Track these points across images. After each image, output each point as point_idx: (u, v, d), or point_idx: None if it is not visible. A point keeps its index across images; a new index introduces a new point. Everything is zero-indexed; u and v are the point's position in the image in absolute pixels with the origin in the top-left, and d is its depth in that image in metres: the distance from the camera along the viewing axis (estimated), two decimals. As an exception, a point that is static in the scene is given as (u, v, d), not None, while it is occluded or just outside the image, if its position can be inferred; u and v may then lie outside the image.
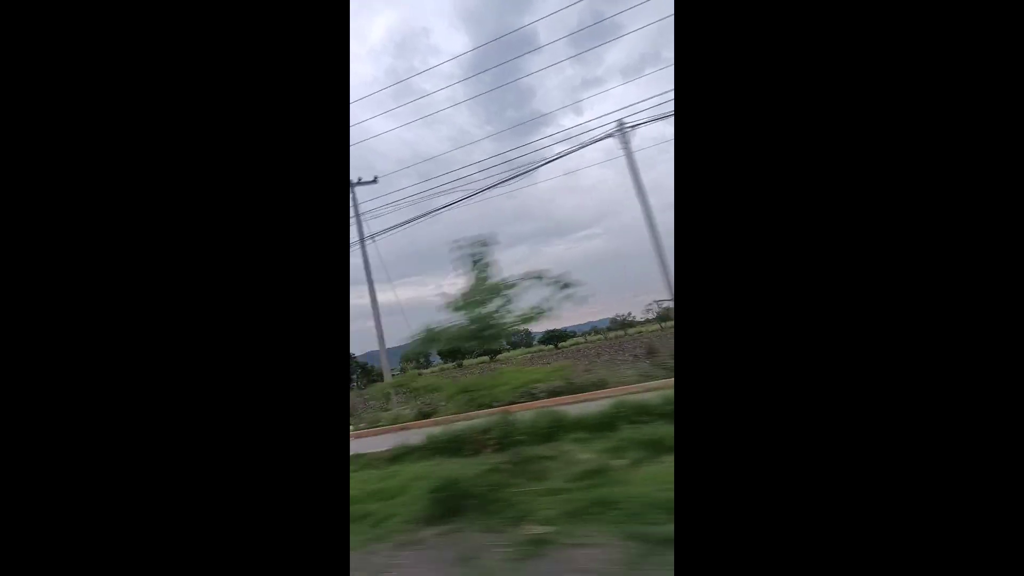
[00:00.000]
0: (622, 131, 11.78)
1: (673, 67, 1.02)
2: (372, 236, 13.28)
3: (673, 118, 1.03)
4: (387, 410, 11.07)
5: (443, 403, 8.04)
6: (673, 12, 1.02)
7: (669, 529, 2.13)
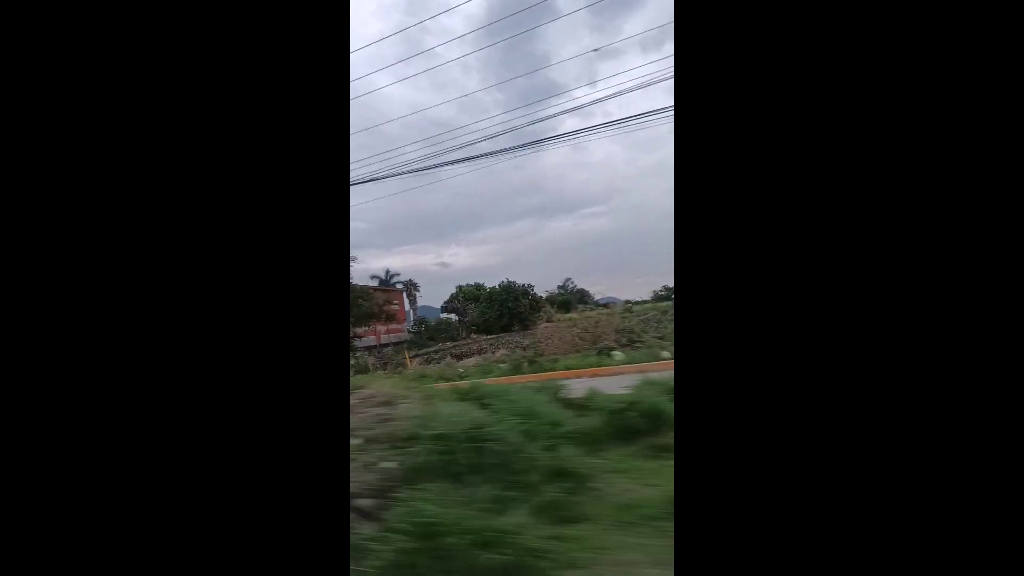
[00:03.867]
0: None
1: (673, 66, 1.02)
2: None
3: (673, 116, 1.02)
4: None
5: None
6: (673, 11, 1.01)
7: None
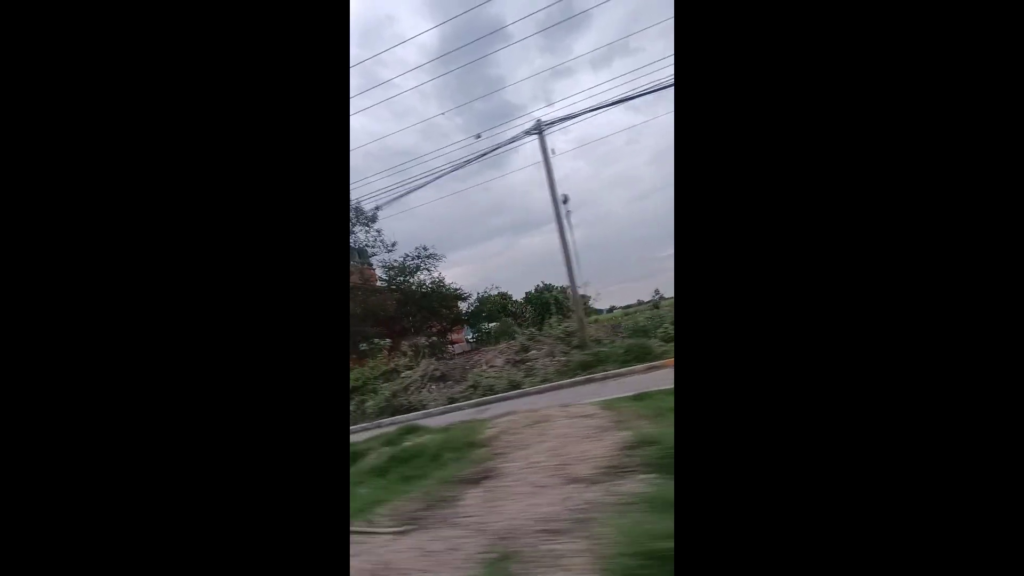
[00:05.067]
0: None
1: (673, 68, 1.03)
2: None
3: (673, 118, 1.02)
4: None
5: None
6: (673, 12, 1.02)
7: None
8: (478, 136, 13.32)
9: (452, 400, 8.82)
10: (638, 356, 8.25)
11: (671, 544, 0.98)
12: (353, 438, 5.79)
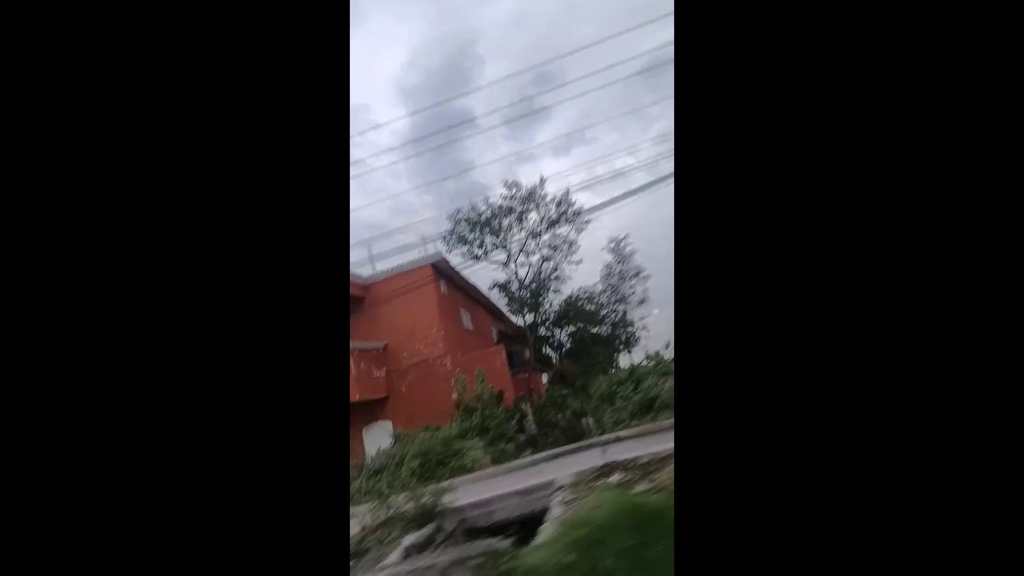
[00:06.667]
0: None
1: (674, 70, 1.02)
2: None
3: (674, 119, 1.02)
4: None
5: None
6: (673, 14, 1.01)
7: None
8: None
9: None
10: None
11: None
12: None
